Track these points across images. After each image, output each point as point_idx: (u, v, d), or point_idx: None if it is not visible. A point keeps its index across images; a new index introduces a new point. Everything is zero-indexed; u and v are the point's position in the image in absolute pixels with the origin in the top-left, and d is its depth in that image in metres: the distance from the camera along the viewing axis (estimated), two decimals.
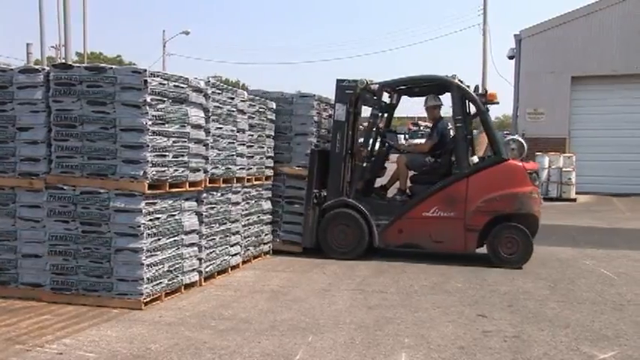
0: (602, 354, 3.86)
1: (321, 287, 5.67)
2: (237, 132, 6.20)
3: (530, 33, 16.02)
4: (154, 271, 4.81)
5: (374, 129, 7.42)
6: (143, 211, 4.68)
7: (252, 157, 6.62)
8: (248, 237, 6.60)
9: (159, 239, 4.88)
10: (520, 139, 7.29)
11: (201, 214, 5.51)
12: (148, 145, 4.69)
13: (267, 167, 7.05)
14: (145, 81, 4.62)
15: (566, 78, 15.56)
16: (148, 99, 4.65)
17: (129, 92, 4.65)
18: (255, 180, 6.72)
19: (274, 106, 7.15)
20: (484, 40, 25.44)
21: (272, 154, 7.21)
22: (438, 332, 4.30)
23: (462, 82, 7.02)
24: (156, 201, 4.85)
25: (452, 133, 7.40)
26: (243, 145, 6.36)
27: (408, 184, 7.37)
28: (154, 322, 4.44)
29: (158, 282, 4.89)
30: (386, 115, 8.02)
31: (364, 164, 7.22)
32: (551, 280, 6.02)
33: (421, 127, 37.29)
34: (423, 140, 23.37)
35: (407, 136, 38.97)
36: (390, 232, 7.02)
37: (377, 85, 7.19)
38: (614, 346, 4.01)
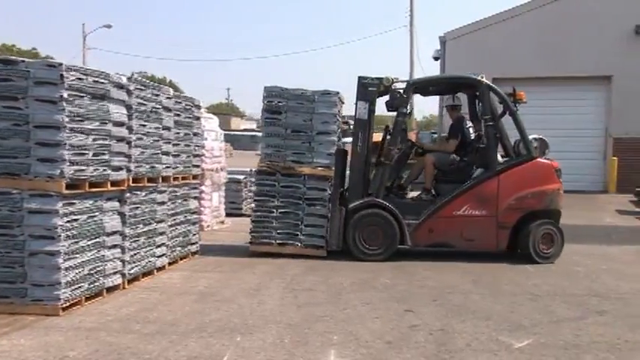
0: (519, 343, 4.04)
1: (251, 287, 5.60)
2: (163, 130, 6.01)
3: (454, 35, 16.57)
4: (72, 274, 4.58)
5: (403, 127, 7.29)
6: (60, 212, 4.44)
7: (179, 155, 6.44)
8: (175, 237, 6.42)
9: (78, 241, 4.65)
10: (543, 137, 7.28)
11: (125, 215, 5.30)
12: (65, 143, 4.45)
13: (194, 166, 6.89)
14: (62, 75, 4.38)
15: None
16: (65, 94, 4.42)
17: (44, 87, 4.40)
18: (182, 179, 6.55)
19: (200, 103, 6.99)
20: (411, 41, 26.14)
21: (199, 153, 7.04)
22: (366, 328, 4.35)
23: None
24: (74, 201, 4.62)
25: (471, 131, 7.52)
26: (169, 143, 6.17)
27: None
28: (72, 328, 4.23)
29: (77, 286, 4.66)
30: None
31: (392, 163, 7.13)
32: (475, 274, 6.23)
33: (350, 126, 37.77)
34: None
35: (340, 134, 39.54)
36: (421, 232, 6.92)
37: (403, 84, 7.15)
38: (530, 335, 4.21)
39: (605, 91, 15.62)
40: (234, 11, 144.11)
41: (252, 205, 7.26)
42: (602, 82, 15.55)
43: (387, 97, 7.12)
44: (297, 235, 6.99)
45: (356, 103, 7.01)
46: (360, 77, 7.02)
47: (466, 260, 6.83)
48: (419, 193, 7.51)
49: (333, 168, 6.96)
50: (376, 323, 4.49)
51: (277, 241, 7.03)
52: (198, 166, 7.02)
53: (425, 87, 7.70)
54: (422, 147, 7.84)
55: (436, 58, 17.42)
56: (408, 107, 7.26)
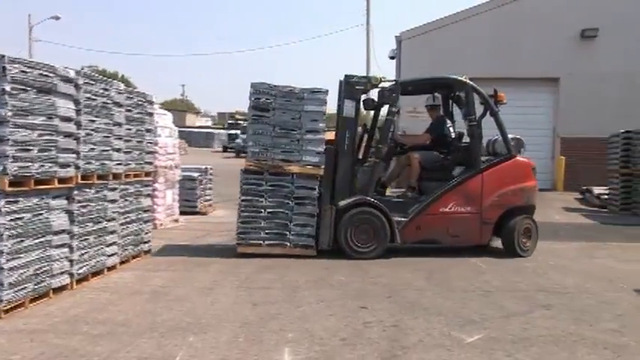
0: (470, 337, 4.12)
1: (205, 286, 5.52)
2: (113, 125, 5.85)
3: (410, 35, 16.78)
4: (16, 275, 4.40)
5: (392, 126, 7.33)
6: (3, 210, 4.26)
7: (131, 152, 6.29)
8: (126, 236, 6.26)
9: (22, 241, 4.47)
10: (519, 136, 7.60)
11: (73, 213, 5.13)
12: (9, 139, 4.27)
13: (146, 163, 6.73)
14: (4, 68, 4.20)
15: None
16: (8, 88, 4.24)
17: None
18: (134, 176, 6.39)
19: (154, 99, 6.84)
20: (367, 40, 26.32)
21: (152, 150, 6.89)
22: (321, 326, 4.35)
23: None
24: (18, 199, 4.44)
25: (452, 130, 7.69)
26: (120, 139, 6.01)
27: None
28: (16, 330, 4.07)
29: (22, 287, 4.49)
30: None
31: (380, 162, 7.16)
32: (427, 270, 6.33)
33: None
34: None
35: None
36: (409, 229, 6.99)
37: (392, 83, 7.21)
38: (481, 329, 4.30)
39: (554, 93, 16.13)
40: (191, 6, 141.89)
41: (240, 204, 6.93)
42: (550, 83, 16.05)
43: (365, 96, 7.18)
44: (286, 235, 6.86)
45: (342, 101, 6.99)
46: (346, 75, 7.05)
47: (419, 257, 6.92)
48: (403, 190, 7.62)
49: (323, 166, 6.90)
50: (331, 320, 4.50)
51: (266, 242, 6.87)
52: (151, 163, 6.87)
53: (412, 86, 7.80)
54: (405, 143, 7.88)
55: (392, 58, 17.60)
56: (397, 106, 7.30)
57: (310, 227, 6.87)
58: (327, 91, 6.97)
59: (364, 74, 7.09)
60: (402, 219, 6.97)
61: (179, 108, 58.40)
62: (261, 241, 6.87)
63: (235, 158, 33.38)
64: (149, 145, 6.80)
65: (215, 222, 10.07)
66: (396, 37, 16.91)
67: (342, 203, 6.88)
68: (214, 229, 9.23)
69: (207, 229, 9.14)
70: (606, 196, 12.74)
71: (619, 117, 14.24)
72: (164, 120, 9.26)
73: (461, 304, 4.99)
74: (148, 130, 6.75)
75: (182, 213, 10.07)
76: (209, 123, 67.66)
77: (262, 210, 6.86)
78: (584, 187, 14.09)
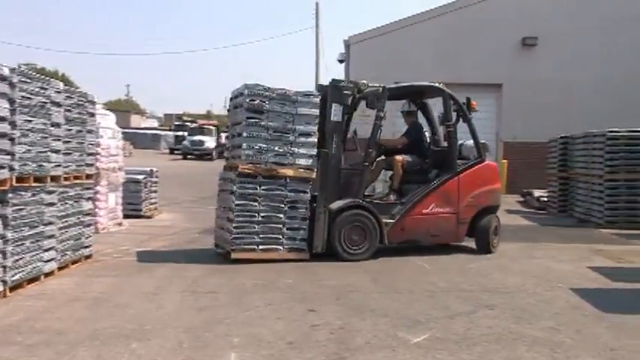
0: (416, 338, 4.18)
1: (149, 291, 5.38)
2: (52, 126, 5.61)
3: (358, 39, 16.97)
4: None
5: (380, 130, 7.40)
6: None
7: (70, 153, 6.05)
8: (65, 241, 6.02)
9: None
10: (483, 141, 8.00)
11: (7, 217, 4.89)
12: None
13: (87, 165, 6.50)
14: None
15: (390, 83, 16.71)
16: None
17: None
18: (74, 179, 6.16)
19: (96, 99, 6.63)
20: (316, 42, 26.48)
21: (94, 151, 6.66)
22: (268, 329, 4.31)
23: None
24: None
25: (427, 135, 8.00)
26: (59, 140, 5.78)
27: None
28: None
29: None
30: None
31: (369, 165, 7.31)
32: (374, 272, 6.38)
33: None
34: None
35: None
36: (395, 231, 7.18)
37: (379, 89, 7.35)
38: (426, 330, 4.37)
39: (497, 98, 16.67)
40: (138, 3, 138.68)
41: (234, 208, 6.65)
42: (493, 89, 16.58)
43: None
44: (280, 239, 6.74)
45: (329, 106, 6.99)
46: (334, 80, 7.23)
47: (367, 260, 6.97)
48: (386, 193, 7.81)
49: (315, 170, 6.89)
50: (278, 324, 4.47)
51: (260, 247, 6.70)
52: (92, 165, 6.65)
53: (396, 92, 7.88)
54: (388, 147, 7.94)
55: (341, 61, 17.74)
56: (384, 111, 7.45)
57: (303, 231, 6.82)
58: (320, 94, 7.00)
59: (344, 79, 7.35)
60: (389, 220, 7.16)
61: (124, 108, 56.94)
62: (255, 246, 6.69)
63: (183, 160, 32.84)
64: (90, 146, 6.57)
65: (161, 225, 9.85)
66: (344, 40, 17.07)
67: (336, 206, 6.92)
68: (160, 232, 9.02)
69: (153, 233, 8.92)
70: (545, 199, 13.23)
71: (558, 122, 14.85)
72: (107, 121, 8.98)
73: (407, 305, 5.05)
74: (89, 131, 6.53)
75: (126, 216, 9.79)
76: (155, 124, 66.29)
77: (256, 214, 6.67)
78: (525, 190, 14.61)
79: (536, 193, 13.84)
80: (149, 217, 10.56)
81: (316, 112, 6.88)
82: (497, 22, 16.35)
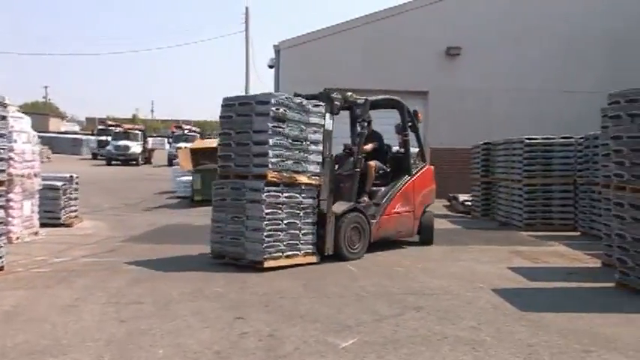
0: (345, 342, 4.19)
1: (67, 303, 5.10)
2: None
3: (289, 45, 16.98)
4: None
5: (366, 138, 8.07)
6: None
7: None
8: None
9: None
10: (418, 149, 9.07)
11: None
12: None
13: None
14: None
15: (320, 89, 16.82)
16: None
17: None
18: None
19: (7, 101, 6.24)
20: (246, 47, 26.28)
21: (6, 156, 6.27)
22: (194, 339, 4.20)
23: None
24: None
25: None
26: None
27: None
28: None
29: None
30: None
31: (359, 170, 7.83)
32: (304, 278, 6.36)
33: (185, 131, 36.94)
34: (187, 144, 23.47)
35: (170, 139, 38.31)
36: (375, 230, 7.82)
37: (364, 100, 8.04)
38: (355, 334, 4.40)
39: (423, 105, 17.11)
40: (60, 2, 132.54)
41: (264, 217, 6.61)
42: (420, 96, 17.01)
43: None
44: (297, 244, 6.94)
45: (324, 115, 7.32)
46: (326, 89, 7.76)
47: (297, 267, 6.95)
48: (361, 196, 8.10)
49: (323, 176, 7.23)
50: (205, 333, 4.36)
51: (284, 253, 6.81)
52: (3, 171, 6.25)
53: (374, 104, 8.43)
54: (366, 152, 8.30)
55: (271, 67, 17.69)
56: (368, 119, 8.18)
57: (312, 235, 7.10)
58: (326, 105, 7.34)
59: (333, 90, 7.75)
60: (373, 220, 7.82)
61: (41, 111, 54.17)
62: (281, 253, 6.80)
63: (107, 166, 31.62)
64: (2, 151, 6.18)
65: (81, 234, 9.40)
66: (274, 46, 17.03)
67: (340, 209, 7.39)
68: (80, 241, 8.60)
69: (72, 242, 8.49)
70: (470, 203, 13.73)
71: (480, 129, 15.45)
72: (21, 124, 8.48)
73: (336, 310, 5.07)
74: (1, 135, 6.13)
75: (43, 225, 9.26)
76: (76, 128, 63.59)
77: (281, 222, 6.78)
78: (451, 195, 15.09)
79: (461, 197, 14.33)
80: (68, 226, 10.06)
81: (322, 121, 7.26)
82: (424, 31, 16.83)
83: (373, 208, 7.95)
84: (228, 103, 7.19)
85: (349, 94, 7.90)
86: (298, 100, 7.05)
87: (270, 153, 6.68)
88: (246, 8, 26.78)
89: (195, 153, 15.21)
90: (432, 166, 9.18)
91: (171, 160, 27.09)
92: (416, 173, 8.63)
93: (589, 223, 9.79)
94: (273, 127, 6.72)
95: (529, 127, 14.31)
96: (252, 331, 4.44)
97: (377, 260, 7.46)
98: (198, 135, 36.77)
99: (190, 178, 14.72)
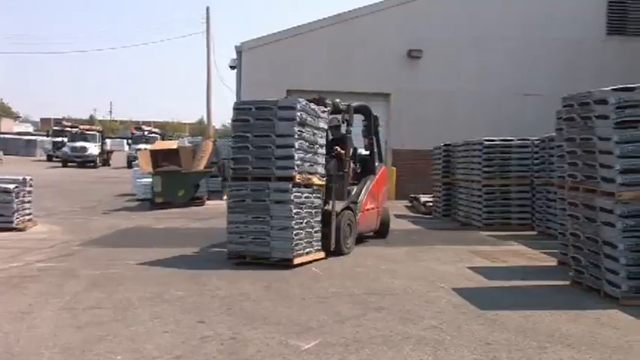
0: (307, 344, 4.19)
1: (20, 310, 4.94)
2: None
3: (251, 46, 16.88)
4: None
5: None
6: None
7: None
8: None
9: None
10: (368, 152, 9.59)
11: None
12: None
13: None
14: None
15: (282, 90, 16.83)
16: None
17: None
18: None
19: None
20: (208, 48, 25.99)
21: None
22: (154, 344, 4.12)
23: None
24: None
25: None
26: None
27: None
28: None
29: None
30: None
31: (348, 171, 8.41)
32: (267, 280, 6.31)
33: (145, 133, 36.34)
34: (147, 145, 23.20)
35: (130, 140, 37.61)
36: (357, 226, 8.40)
37: (349, 107, 8.63)
38: (317, 335, 4.39)
39: (385, 107, 17.31)
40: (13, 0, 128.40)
41: (292, 216, 6.99)
42: (382, 98, 17.19)
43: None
44: (311, 241, 7.34)
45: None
46: (321, 97, 8.17)
47: (259, 268, 6.92)
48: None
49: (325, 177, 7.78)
50: (165, 338, 4.28)
51: (305, 250, 7.22)
52: None
53: (355, 109, 8.93)
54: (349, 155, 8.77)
55: (232, 67, 17.55)
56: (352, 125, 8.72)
57: (318, 232, 7.48)
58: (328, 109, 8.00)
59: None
60: (356, 217, 8.43)
61: None
62: (302, 250, 7.17)
63: (63, 168, 30.77)
64: None
65: (35, 239, 9.10)
66: (236, 47, 16.91)
67: (339, 208, 7.85)
68: (34, 246, 8.33)
69: (26, 247, 8.22)
70: (431, 204, 13.93)
71: (441, 131, 15.70)
72: None
73: (299, 312, 5.05)
74: None
75: None
76: (30, 129, 61.71)
77: (302, 220, 7.17)
78: (413, 196, 15.28)
79: (423, 198, 14.52)
80: (22, 230, 9.72)
81: (325, 125, 7.84)
82: (386, 33, 17.00)
83: (354, 206, 8.49)
84: (243, 107, 7.43)
85: (337, 100, 8.51)
86: (313, 105, 7.47)
87: (296, 156, 7.05)
88: (207, 8, 26.52)
89: (156, 155, 14.96)
90: (394, 167, 9.75)
91: (130, 162, 26.60)
92: (379, 173, 9.31)
93: (545, 222, 10.06)
94: (299, 131, 7.12)
95: (489, 129, 14.63)
96: (214, 334, 4.38)
97: (340, 261, 7.48)
98: (159, 136, 36.24)
99: (151, 180, 14.47)
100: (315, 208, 7.42)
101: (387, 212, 9.72)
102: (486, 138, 11.26)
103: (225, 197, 16.21)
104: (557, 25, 17.07)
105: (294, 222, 6.93)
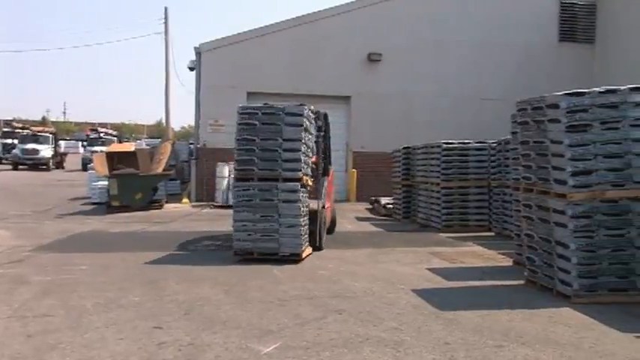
0: (267, 348, 4.15)
1: None
2: None
3: (210, 47, 16.68)
4: None
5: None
6: None
7: None
8: None
9: None
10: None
11: None
12: None
13: None
14: None
15: (242, 93, 16.72)
16: None
17: None
18: None
19: None
20: (166, 49, 25.57)
21: None
22: (109, 352, 4.02)
23: None
24: None
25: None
26: None
27: None
28: None
29: None
30: None
31: (323, 173, 9.09)
32: (227, 284, 6.25)
33: (101, 135, 35.55)
34: (103, 148, 22.71)
35: (85, 143, 36.68)
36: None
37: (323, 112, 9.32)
38: (277, 338, 4.37)
39: (346, 110, 17.39)
40: None
41: (300, 214, 7.68)
42: (343, 101, 17.27)
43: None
44: (306, 237, 7.91)
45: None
46: (303, 104, 8.26)
47: (219, 272, 6.84)
48: None
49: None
50: (121, 345, 4.18)
51: (305, 246, 7.83)
52: None
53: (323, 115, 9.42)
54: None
55: (191, 69, 17.31)
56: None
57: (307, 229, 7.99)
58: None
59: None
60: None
61: None
62: (305, 246, 7.79)
63: (13, 171, 29.69)
64: None
65: None
66: (195, 48, 16.69)
67: (320, 207, 8.38)
68: None
69: None
70: (391, 206, 14.05)
71: (401, 134, 15.87)
72: None
73: (259, 316, 5.01)
74: None
75: None
76: None
77: (304, 218, 7.87)
78: (373, 198, 15.38)
79: (383, 200, 14.63)
80: None
81: (315, 130, 8.52)
82: (346, 36, 17.07)
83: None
84: (249, 112, 7.76)
85: (312, 107, 8.53)
86: (313, 111, 8.20)
87: (302, 159, 7.69)
88: (165, 8, 26.03)
89: (112, 157, 14.62)
90: (355, 170, 10.00)
91: (85, 165, 25.93)
92: (330, 174, 9.98)
93: (502, 223, 10.29)
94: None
95: (447, 132, 14.88)
96: (171, 340, 4.30)
97: (301, 264, 7.46)
98: (116, 138, 35.46)
99: (107, 183, 14.13)
100: (307, 207, 7.99)
101: (334, 211, 10.48)
102: (445, 141, 11.43)
103: (184, 200, 16.11)
104: (512, 31, 17.52)
105: (301, 220, 7.62)
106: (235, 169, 7.92)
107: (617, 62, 16.88)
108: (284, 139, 7.61)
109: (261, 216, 7.55)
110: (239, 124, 7.76)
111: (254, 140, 7.67)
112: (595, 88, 5.82)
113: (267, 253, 7.48)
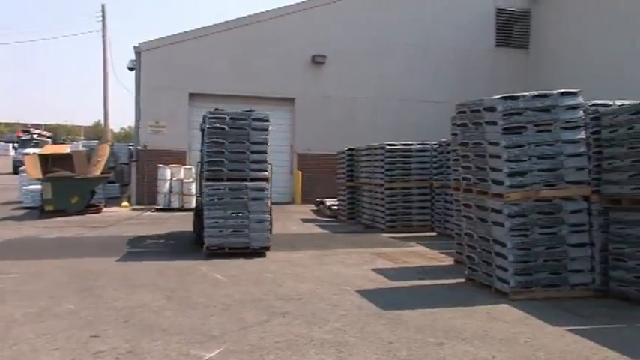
0: (209, 353, 4.06)
1: None
2: None
3: (150, 47, 16.28)
4: None
5: None
6: None
7: None
8: None
9: None
10: None
11: None
12: None
13: None
14: None
15: (184, 94, 16.40)
16: None
17: None
18: None
19: None
20: (104, 47, 24.75)
21: None
22: None
23: None
24: None
25: None
26: None
27: None
28: None
29: None
30: None
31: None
32: (168, 289, 6.10)
33: (34, 136, 34.10)
34: (37, 150, 21.70)
35: (16, 145, 35.03)
36: None
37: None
38: (221, 343, 4.28)
39: (290, 111, 17.38)
40: None
41: (267, 211, 8.34)
42: (287, 103, 17.24)
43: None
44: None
45: None
46: (250, 111, 8.56)
47: (160, 277, 6.66)
48: None
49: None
50: (54, 355, 4.00)
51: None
52: None
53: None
54: None
55: (131, 69, 16.83)
56: None
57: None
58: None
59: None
60: None
61: None
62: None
63: None
64: None
65: None
66: (134, 47, 16.24)
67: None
68: None
69: None
70: (336, 207, 14.12)
71: (345, 135, 16.01)
72: None
73: (201, 321, 4.90)
74: None
75: None
76: None
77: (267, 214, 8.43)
78: (319, 200, 15.42)
79: (329, 202, 14.69)
80: None
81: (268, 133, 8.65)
82: (291, 38, 17.06)
83: None
84: (218, 116, 8.34)
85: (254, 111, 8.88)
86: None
87: (268, 160, 8.43)
88: (103, 6, 25.17)
89: (46, 160, 14.00)
90: (300, 172, 9.84)
91: (17, 168, 24.75)
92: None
93: (444, 223, 10.53)
94: (266, 139, 8.41)
95: (390, 133, 15.12)
96: (109, 348, 4.14)
97: (245, 267, 7.38)
98: (50, 140, 34.07)
99: (40, 187, 13.52)
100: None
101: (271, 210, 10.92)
102: (388, 142, 11.60)
103: (124, 204, 15.63)
104: (453, 36, 18.01)
105: (267, 215, 8.22)
106: (206, 170, 8.39)
107: (549, 67, 17.68)
108: (251, 142, 8.33)
109: (232, 213, 8.14)
110: (208, 128, 8.29)
111: (223, 143, 8.30)
112: (529, 92, 6.04)
113: (238, 247, 8.08)
